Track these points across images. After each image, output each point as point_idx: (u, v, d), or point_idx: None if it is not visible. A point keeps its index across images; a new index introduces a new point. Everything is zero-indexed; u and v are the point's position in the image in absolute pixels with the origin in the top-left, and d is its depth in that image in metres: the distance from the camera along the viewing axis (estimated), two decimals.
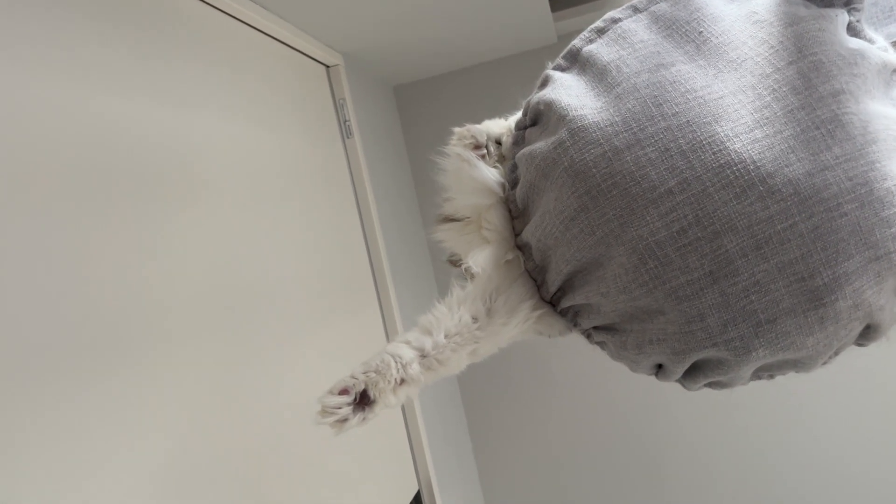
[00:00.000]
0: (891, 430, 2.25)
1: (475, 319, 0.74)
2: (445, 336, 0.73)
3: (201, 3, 1.25)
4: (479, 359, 0.76)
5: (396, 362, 0.70)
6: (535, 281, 0.75)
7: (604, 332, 0.70)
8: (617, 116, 0.61)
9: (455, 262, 1.02)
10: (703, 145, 0.56)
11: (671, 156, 0.57)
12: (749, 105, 0.57)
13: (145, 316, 0.93)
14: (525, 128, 0.75)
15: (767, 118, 0.56)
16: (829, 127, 0.55)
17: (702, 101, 0.59)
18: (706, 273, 0.56)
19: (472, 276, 0.86)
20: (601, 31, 0.72)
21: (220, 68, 1.27)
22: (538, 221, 0.69)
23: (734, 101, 0.58)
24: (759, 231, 0.54)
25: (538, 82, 0.75)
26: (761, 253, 0.54)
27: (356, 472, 1.49)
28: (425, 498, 1.89)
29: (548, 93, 0.70)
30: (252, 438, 1.12)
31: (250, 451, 1.11)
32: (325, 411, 0.66)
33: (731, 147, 0.55)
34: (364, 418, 0.68)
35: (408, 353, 0.71)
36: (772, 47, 0.60)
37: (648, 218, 0.57)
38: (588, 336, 0.74)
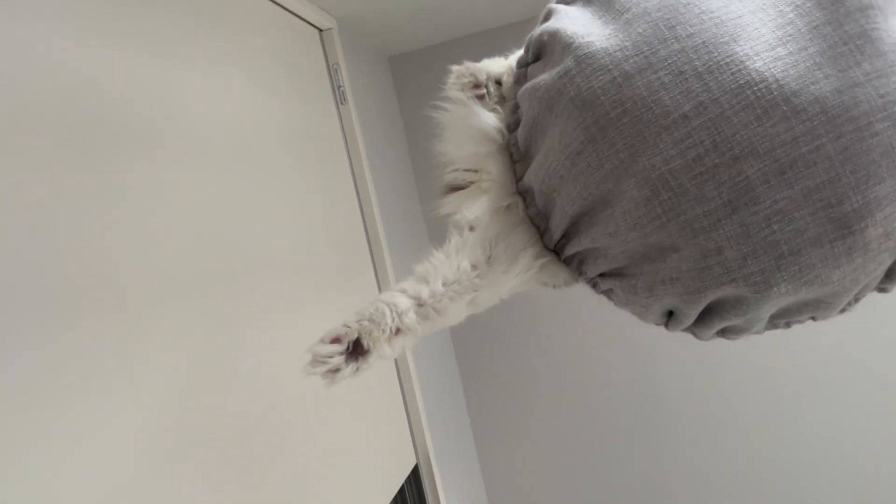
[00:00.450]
0: (884, 420, 2.23)
1: (474, 267, 0.70)
2: (443, 284, 0.69)
3: None
4: (478, 309, 0.72)
5: (392, 311, 0.66)
6: (537, 228, 0.72)
7: (612, 279, 0.66)
8: (627, 41, 0.57)
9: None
10: (721, 66, 0.52)
11: (686, 78, 0.53)
12: (770, 22, 0.53)
13: (131, 273, 0.89)
14: (527, 64, 0.70)
15: (791, 35, 0.52)
16: (858, 42, 0.51)
17: (718, 20, 0.54)
18: (724, 202, 0.52)
19: (472, 228, 0.81)
20: None
21: (209, 24, 1.22)
22: (541, 161, 0.65)
23: (754, 20, 0.54)
24: (782, 154, 0.50)
25: (540, 16, 0.71)
26: (785, 178, 0.50)
27: (353, 446, 1.45)
28: (423, 472, 1.86)
29: (552, 23, 0.66)
30: (242, 407, 1.08)
31: (239, 420, 1.07)
32: (317, 360, 0.63)
33: (752, 66, 0.51)
34: (357, 369, 0.64)
35: (404, 302, 0.68)
36: None
37: (661, 146, 0.53)
38: (594, 285, 0.70)
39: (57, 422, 0.74)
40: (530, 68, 0.70)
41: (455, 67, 0.75)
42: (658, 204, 0.54)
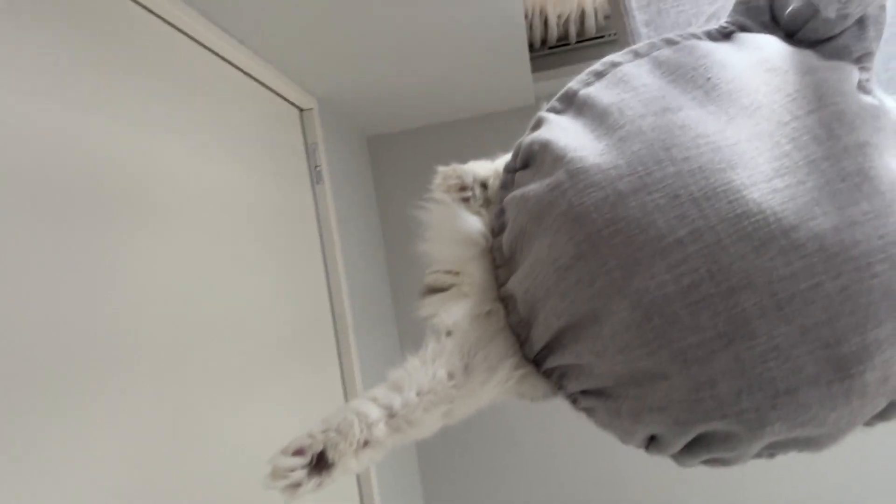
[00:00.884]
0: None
1: (451, 376, 0.66)
2: (417, 393, 0.65)
3: (174, 29, 1.19)
4: (452, 421, 0.68)
5: (360, 421, 0.62)
6: (518, 336, 0.69)
7: (594, 397, 0.63)
8: (621, 159, 0.56)
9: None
10: (718, 193, 0.51)
11: (681, 203, 0.52)
12: (767, 153, 0.53)
13: (88, 344, 0.84)
14: (515, 170, 0.69)
15: (788, 167, 0.51)
16: (856, 180, 0.50)
17: (714, 146, 0.54)
18: (719, 334, 0.49)
19: (450, 333, 0.78)
20: (600, 74, 0.67)
21: (190, 96, 1.20)
22: (527, 271, 0.63)
23: (750, 148, 0.53)
24: (780, 289, 0.48)
25: (530, 124, 0.70)
26: (783, 314, 0.48)
27: None
28: None
29: (543, 133, 0.65)
30: (196, 487, 1.01)
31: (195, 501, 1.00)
32: (277, 474, 0.57)
33: (749, 196, 0.50)
34: (320, 483, 0.59)
35: (374, 412, 0.63)
36: (788, 95, 0.56)
37: (655, 270, 0.51)
38: (574, 401, 0.67)
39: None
40: (518, 175, 0.69)
41: (441, 168, 0.74)
42: (649, 329, 0.52)
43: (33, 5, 0.86)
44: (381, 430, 0.62)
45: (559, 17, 2.04)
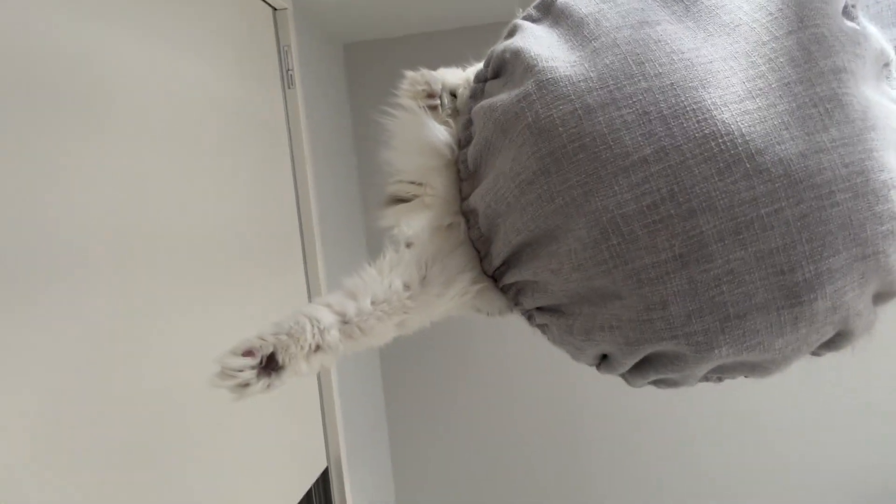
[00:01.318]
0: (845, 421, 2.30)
1: (407, 287, 0.66)
2: (372, 302, 0.64)
3: None
4: (407, 331, 0.68)
5: (313, 326, 0.61)
6: (478, 251, 0.68)
7: (548, 314, 0.63)
8: (592, 72, 0.54)
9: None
10: (687, 111, 0.49)
11: (650, 120, 0.50)
12: (741, 73, 0.51)
13: (37, 247, 0.81)
14: (486, 80, 0.67)
15: (761, 89, 0.50)
16: (828, 106, 0.49)
17: (689, 63, 0.52)
18: (675, 256, 0.49)
19: (409, 245, 0.77)
20: None
21: None
22: (490, 184, 0.61)
23: (724, 67, 0.51)
24: (740, 213, 0.47)
25: (504, 32, 0.67)
26: (740, 238, 0.48)
27: (261, 444, 1.39)
28: (333, 476, 1.80)
29: (516, 41, 0.62)
30: (145, 396, 1.01)
31: (142, 410, 1.00)
32: (225, 373, 0.57)
33: (718, 116, 0.49)
34: (269, 385, 0.59)
35: (327, 317, 0.63)
36: (770, 14, 0.54)
37: (617, 188, 0.50)
38: (529, 317, 0.67)
39: None
40: (488, 84, 0.66)
41: (410, 73, 0.71)
42: (606, 248, 0.51)
43: None
44: (333, 335, 0.62)
45: None
